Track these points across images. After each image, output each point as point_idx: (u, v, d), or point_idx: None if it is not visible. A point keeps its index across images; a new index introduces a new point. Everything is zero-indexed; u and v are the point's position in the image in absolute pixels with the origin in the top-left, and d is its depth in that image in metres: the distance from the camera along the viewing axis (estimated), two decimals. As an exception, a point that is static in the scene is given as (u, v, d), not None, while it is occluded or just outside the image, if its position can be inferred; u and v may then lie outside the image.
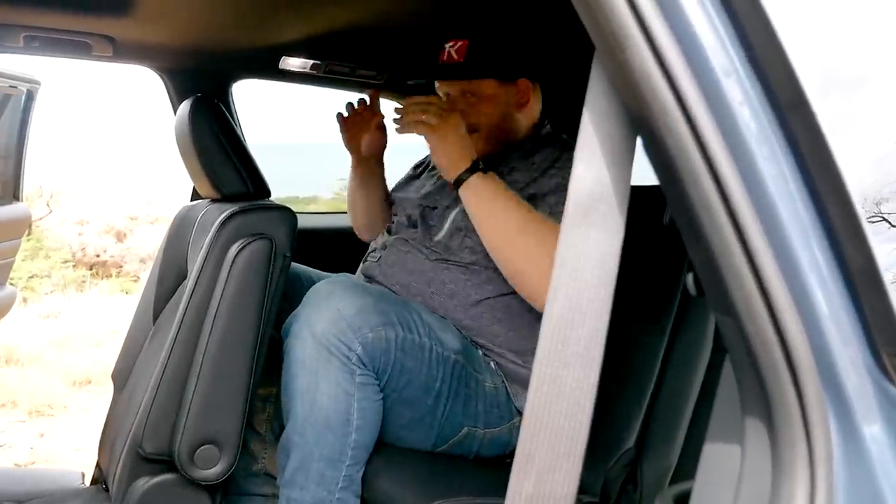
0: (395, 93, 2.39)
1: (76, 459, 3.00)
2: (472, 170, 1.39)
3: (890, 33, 0.65)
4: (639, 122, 0.55)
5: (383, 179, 1.82)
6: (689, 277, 0.62)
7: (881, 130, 0.66)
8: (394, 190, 1.89)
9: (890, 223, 0.61)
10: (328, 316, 1.29)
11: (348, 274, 1.64)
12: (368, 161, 1.73)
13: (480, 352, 1.51)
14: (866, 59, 0.64)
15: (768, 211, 0.53)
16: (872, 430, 0.53)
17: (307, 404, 1.29)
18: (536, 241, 1.36)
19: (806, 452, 0.52)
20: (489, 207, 1.38)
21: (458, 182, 1.40)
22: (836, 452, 0.52)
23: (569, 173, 1.38)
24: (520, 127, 1.62)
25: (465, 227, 1.53)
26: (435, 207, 1.63)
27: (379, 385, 1.33)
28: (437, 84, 1.63)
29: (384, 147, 1.73)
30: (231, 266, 1.33)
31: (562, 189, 1.46)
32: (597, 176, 0.57)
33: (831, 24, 0.60)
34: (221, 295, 1.32)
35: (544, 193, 1.48)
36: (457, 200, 1.60)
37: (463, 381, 1.43)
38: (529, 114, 1.64)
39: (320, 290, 1.34)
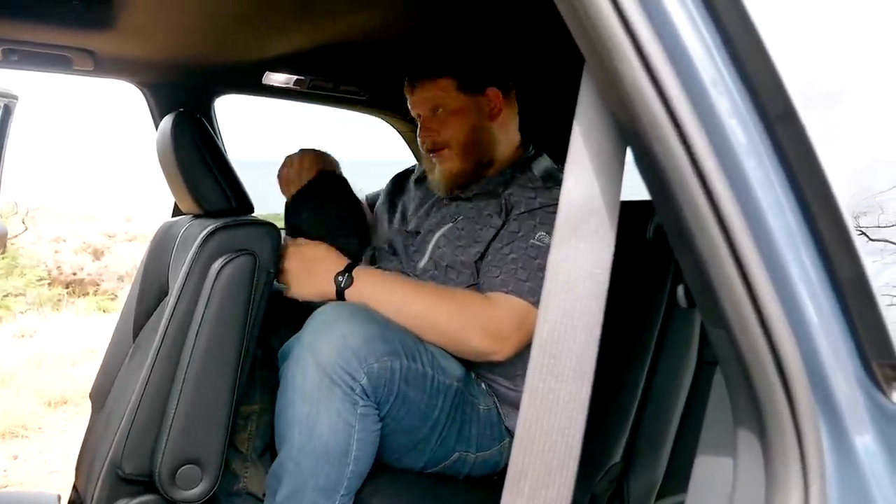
0: (378, 109, 2.40)
1: (51, 482, 2.95)
2: (342, 282, 1.44)
3: (864, 49, 0.66)
4: (629, 133, 0.55)
5: None
6: (680, 289, 0.62)
7: (858, 145, 0.67)
8: (376, 207, 1.88)
9: (868, 237, 0.61)
10: (333, 344, 1.25)
11: None
12: None
13: (473, 374, 1.51)
14: (842, 75, 0.65)
15: (758, 222, 0.53)
16: (864, 441, 0.53)
17: (305, 433, 1.26)
18: (442, 307, 1.41)
19: (799, 464, 0.51)
20: (383, 302, 1.39)
21: (340, 295, 1.44)
22: (829, 463, 0.52)
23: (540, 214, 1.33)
24: (496, 142, 1.60)
25: (448, 253, 1.52)
26: (418, 232, 1.62)
27: (379, 415, 1.31)
28: (411, 108, 1.64)
29: None
30: (214, 282, 1.31)
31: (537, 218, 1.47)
32: (587, 189, 0.56)
33: (808, 39, 0.61)
34: (204, 311, 1.30)
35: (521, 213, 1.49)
36: (438, 224, 1.59)
37: (460, 407, 1.41)
38: (505, 129, 1.61)
39: (324, 315, 1.31)
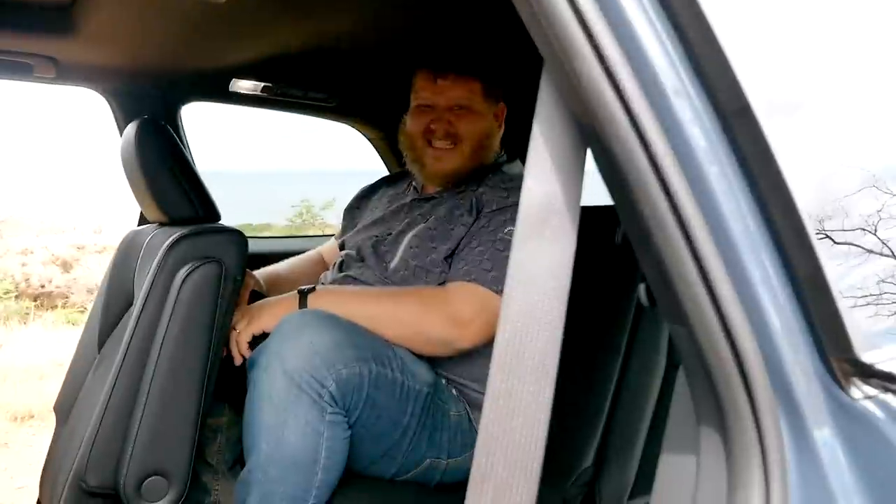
0: (348, 116, 2.39)
1: (18, 499, 2.89)
2: (302, 299, 1.42)
3: (823, 59, 0.67)
4: (588, 133, 0.55)
5: (279, 275, 1.77)
6: (642, 288, 0.62)
7: (822, 151, 0.68)
8: (343, 217, 1.88)
9: (833, 240, 0.62)
10: (300, 350, 1.24)
11: None
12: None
13: (444, 381, 1.50)
14: (803, 84, 0.66)
15: (718, 222, 0.53)
16: (823, 435, 0.53)
17: (273, 441, 1.25)
18: (402, 301, 1.43)
19: (760, 458, 0.52)
20: (342, 309, 1.38)
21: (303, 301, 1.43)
22: (789, 458, 0.52)
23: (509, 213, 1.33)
24: (492, 150, 1.65)
25: (419, 254, 1.52)
26: (389, 234, 1.61)
27: (348, 422, 1.29)
28: (426, 97, 1.61)
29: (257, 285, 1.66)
30: (179, 290, 1.29)
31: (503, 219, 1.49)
32: (547, 189, 0.56)
33: (766, 50, 0.62)
34: (169, 320, 1.28)
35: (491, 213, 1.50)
36: (410, 225, 1.59)
37: (430, 413, 1.41)
38: (498, 140, 1.66)
39: (292, 322, 1.29)
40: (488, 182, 1.57)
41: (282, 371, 1.24)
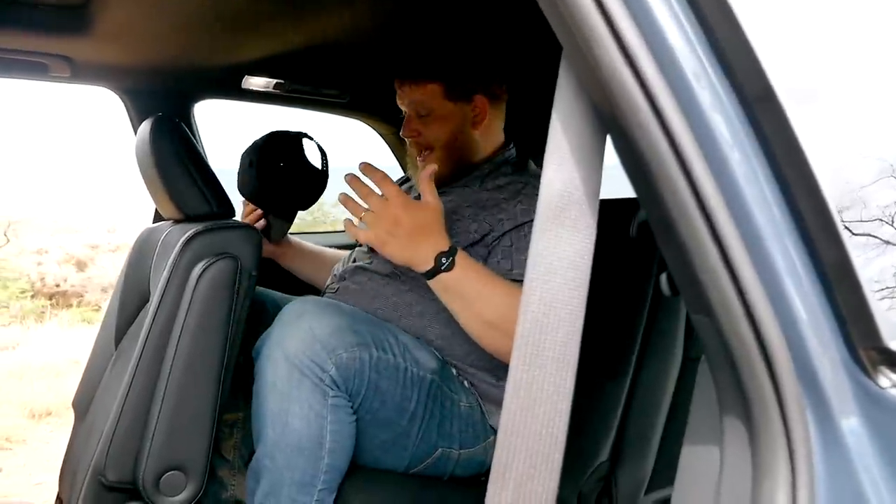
0: (360, 112, 2.39)
1: (36, 494, 2.92)
2: (444, 265, 1.27)
3: (838, 48, 0.66)
4: (608, 120, 0.55)
5: (301, 251, 1.89)
6: (663, 277, 0.61)
7: (840, 141, 0.67)
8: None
9: (852, 231, 0.61)
10: (301, 336, 1.25)
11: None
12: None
13: (454, 371, 1.50)
14: (820, 72, 0.65)
15: (742, 209, 0.53)
16: (850, 424, 0.53)
17: (278, 427, 1.26)
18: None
19: (785, 449, 0.51)
20: (462, 303, 1.29)
21: (429, 276, 1.29)
22: (816, 447, 0.51)
23: (520, 207, 1.29)
24: (477, 147, 1.60)
25: None
26: None
27: (352, 407, 1.30)
28: (398, 101, 1.62)
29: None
30: (195, 286, 1.29)
31: (518, 226, 1.43)
32: (567, 178, 0.56)
33: (780, 36, 0.61)
34: (185, 316, 1.29)
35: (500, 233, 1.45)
36: None
37: (438, 401, 1.40)
38: (488, 133, 1.60)
39: (293, 310, 1.30)
40: (524, 190, 1.48)
41: (283, 358, 1.25)
